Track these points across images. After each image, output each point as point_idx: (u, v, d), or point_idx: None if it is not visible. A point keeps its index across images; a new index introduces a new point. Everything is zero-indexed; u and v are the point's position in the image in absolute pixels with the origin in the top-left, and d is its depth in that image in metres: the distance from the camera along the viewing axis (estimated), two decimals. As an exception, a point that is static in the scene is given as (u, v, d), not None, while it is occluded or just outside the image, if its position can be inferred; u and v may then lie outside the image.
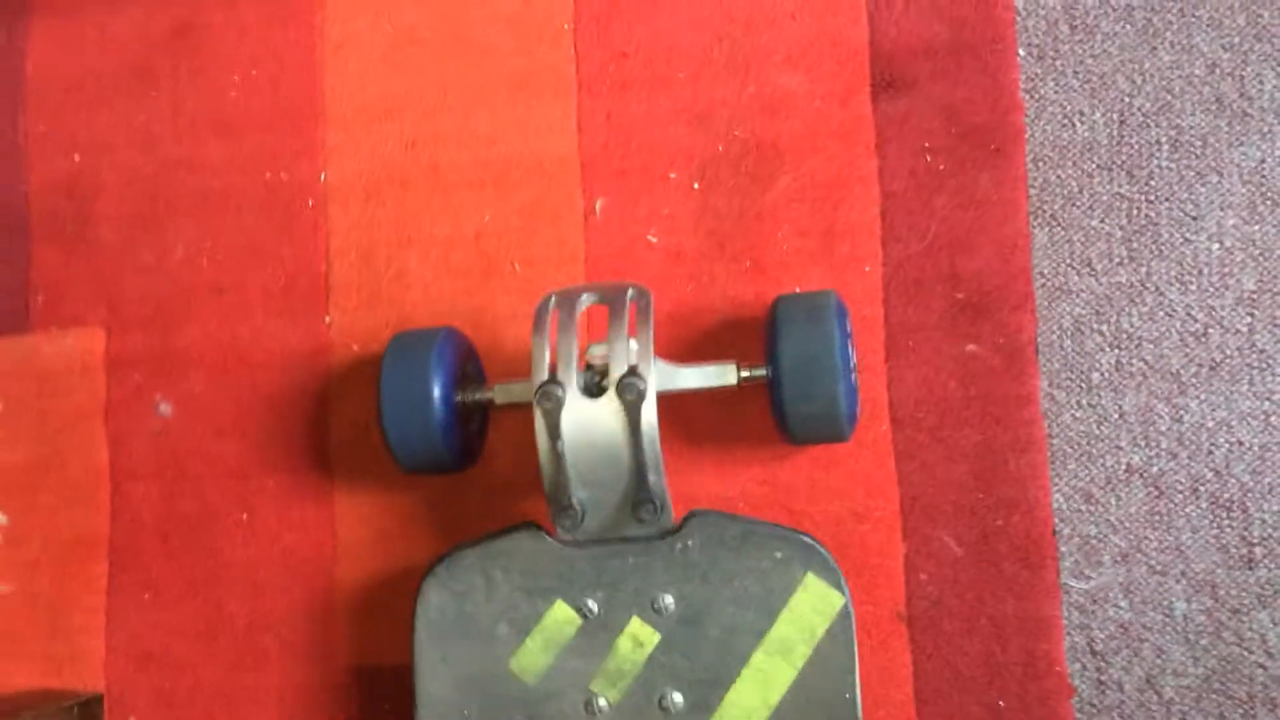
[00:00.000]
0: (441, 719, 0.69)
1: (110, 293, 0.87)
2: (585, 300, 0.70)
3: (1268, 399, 0.73)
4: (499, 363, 0.80)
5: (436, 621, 0.70)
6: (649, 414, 0.66)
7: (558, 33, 0.82)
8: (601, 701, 0.68)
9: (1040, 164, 0.77)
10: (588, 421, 0.66)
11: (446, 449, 0.73)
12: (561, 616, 0.69)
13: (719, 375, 0.71)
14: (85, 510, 0.85)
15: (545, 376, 0.67)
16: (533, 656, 0.69)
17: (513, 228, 0.82)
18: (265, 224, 0.85)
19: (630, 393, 0.65)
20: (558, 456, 0.67)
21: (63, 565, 0.85)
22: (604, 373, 0.68)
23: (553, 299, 0.70)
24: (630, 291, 0.69)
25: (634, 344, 0.68)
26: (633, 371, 0.66)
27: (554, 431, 0.66)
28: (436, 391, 0.72)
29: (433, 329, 0.76)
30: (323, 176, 0.85)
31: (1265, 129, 0.74)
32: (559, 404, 0.66)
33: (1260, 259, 0.74)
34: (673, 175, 0.80)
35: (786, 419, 0.70)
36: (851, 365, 0.71)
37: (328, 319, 0.83)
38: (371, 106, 0.84)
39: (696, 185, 0.80)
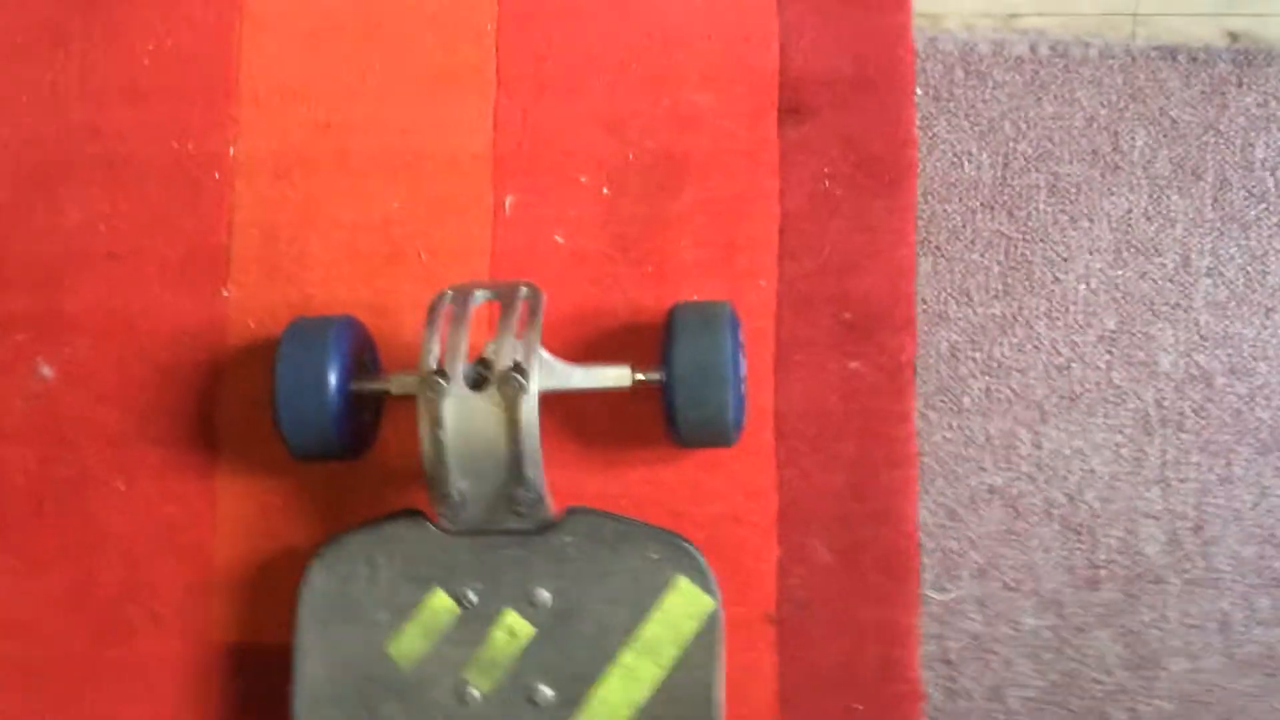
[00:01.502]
0: (318, 699, 0.69)
1: (-4, 251, 0.85)
2: (480, 296, 0.71)
3: (1119, 431, 0.79)
4: (397, 351, 0.81)
5: (320, 604, 0.70)
6: (528, 409, 0.67)
7: (480, 31, 0.84)
8: (473, 691, 0.69)
9: (929, 197, 0.81)
10: (469, 413, 0.68)
11: (339, 437, 0.73)
12: (440, 605, 0.69)
13: (615, 377, 0.73)
14: (-47, 471, 0.83)
15: (433, 367, 0.68)
16: (410, 642, 0.69)
17: (421, 217, 0.83)
18: (168, 194, 0.84)
19: (511, 386, 0.67)
20: (438, 446, 0.68)
21: (-75, 525, 0.83)
22: (488, 367, 0.69)
23: (449, 293, 0.71)
24: (523, 290, 0.71)
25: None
26: (515, 367, 0.68)
27: (435, 421, 0.67)
28: (332, 380, 0.72)
29: (331, 316, 0.76)
30: (231, 151, 0.84)
31: (1134, 182, 0.81)
32: (442, 393, 0.67)
33: (1121, 301, 0.80)
34: (583, 179, 0.83)
35: (676, 422, 0.72)
36: (741, 375, 0.74)
37: (225, 293, 0.83)
38: (287, 86, 0.85)
39: (606, 190, 0.82)
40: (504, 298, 0.71)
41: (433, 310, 0.70)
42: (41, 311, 0.84)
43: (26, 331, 0.83)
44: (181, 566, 0.81)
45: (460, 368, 0.68)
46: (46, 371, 0.83)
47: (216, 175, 0.84)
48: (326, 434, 0.73)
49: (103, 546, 0.81)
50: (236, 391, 0.82)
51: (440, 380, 0.67)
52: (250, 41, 0.85)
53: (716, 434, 0.73)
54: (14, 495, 0.82)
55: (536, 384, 0.68)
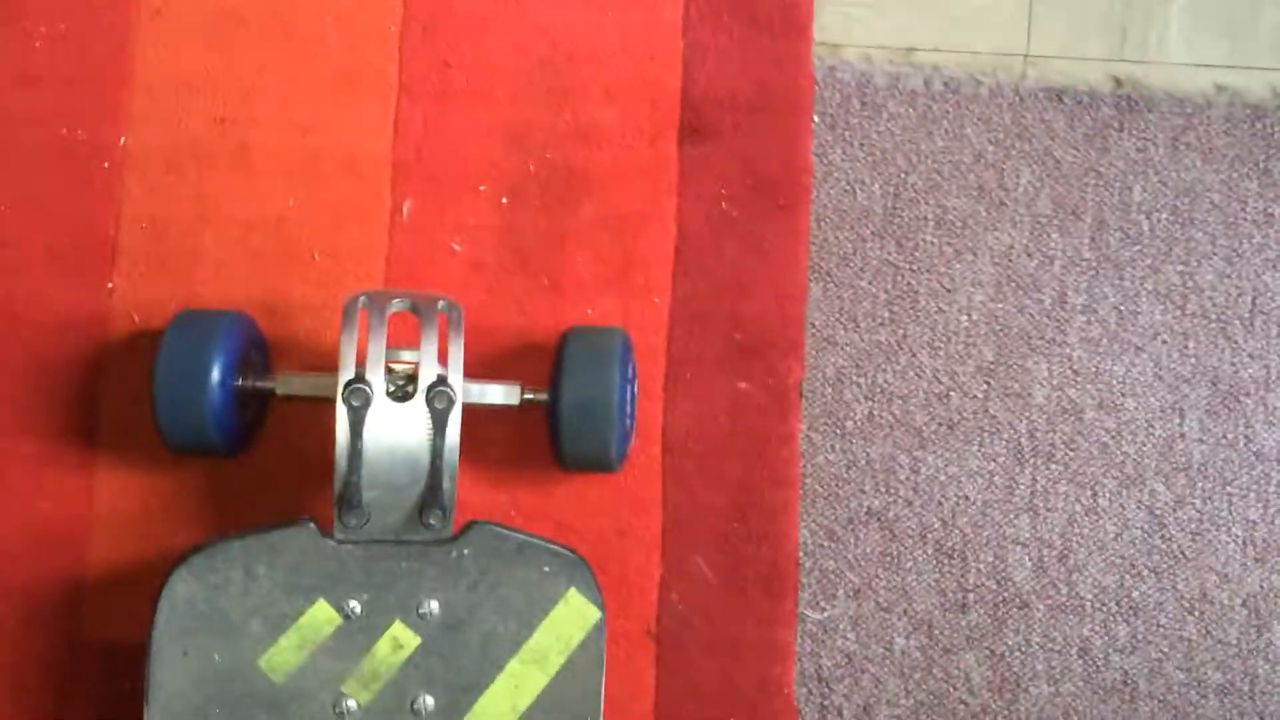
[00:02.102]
0: (176, 714, 0.67)
1: (-127, 231, 0.82)
2: (395, 305, 0.71)
3: (993, 460, 0.81)
4: (288, 351, 0.80)
5: (183, 613, 0.68)
6: (454, 424, 0.68)
7: (384, 34, 0.84)
8: (351, 703, 0.68)
9: (822, 223, 0.83)
10: (392, 425, 0.68)
11: (219, 433, 0.72)
12: (321, 616, 0.68)
13: (504, 394, 0.74)
14: None
15: (352, 374, 0.68)
16: (284, 655, 0.68)
17: (317, 218, 0.82)
18: (57, 181, 0.82)
19: (441, 401, 0.68)
20: (356, 456, 0.67)
21: None
22: (409, 379, 0.69)
23: (362, 299, 0.70)
24: (441, 303, 0.71)
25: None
26: (442, 381, 0.68)
27: (357, 430, 0.67)
28: (215, 375, 0.71)
29: (221, 311, 0.75)
30: (123, 141, 0.83)
31: (1017, 218, 0.83)
32: (367, 403, 0.67)
33: (1000, 334, 0.82)
34: (483, 188, 0.83)
35: (560, 450, 0.73)
36: (630, 407, 0.74)
37: (110, 285, 0.81)
38: (183, 78, 0.83)
39: (505, 200, 0.82)
40: (421, 310, 0.70)
41: (347, 315, 0.69)
42: (-83, 296, 0.81)
43: (-100, 316, 0.81)
44: (53, 562, 0.79)
45: (383, 378, 0.68)
46: (-81, 358, 0.81)
47: (106, 165, 0.82)
48: (204, 429, 0.72)
49: (-29, 540, 0.79)
50: (119, 386, 0.80)
51: (365, 389, 0.67)
52: (147, 30, 0.84)
53: (599, 464, 0.74)
54: (-121, 485, 0.80)
55: (461, 399, 0.68)
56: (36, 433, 0.80)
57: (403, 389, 0.69)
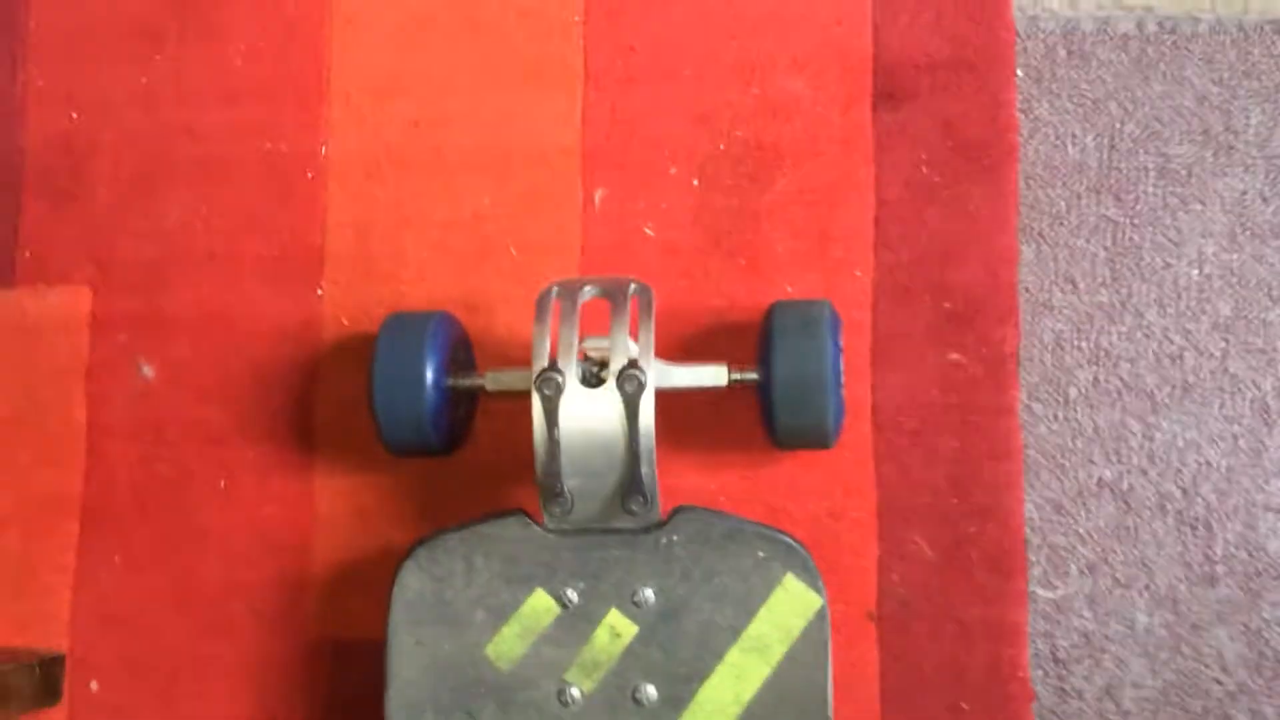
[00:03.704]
0: (412, 702, 0.69)
1: (99, 253, 0.86)
2: (587, 292, 0.71)
3: (1236, 422, 0.76)
4: (490, 347, 0.81)
5: (413, 605, 0.70)
6: (647, 407, 0.67)
7: (568, 25, 0.84)
8: (574, 691, 0.68)
9: (1031, 182, 0.79)
10: (585, 411, 0.68)
11: (435, 433, 0.73)
12: (540, 605, 0.69)
13: (711, 376, 0.72)
14: (59, 469, 0.85)
15: (545, 364, 0.68)
16: (509, 644, 0.69)
17: (511, 213, 0.83)
18: (262, 194, 0.85)
19: (630, 385, 0.67)
20: (553, 444, 0.67)
21: (33, 523, 0.84)
22: (602, 364, 0.69)
23: (555, 288, 0.70)
24: (632, 287, 0.70)
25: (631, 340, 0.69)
26: (633, 364, 0.67)
27: (551, 418, 0.67)
28: (429, 376, 0.72)
29: (428, 312, 0.76)
30: (323, 150, 0.85)
31: (1248, 162, 0.77)
32: (559, 391, 0.67)
33: (1237, 287, 0.77)
34: (673, 170, 0.82)
35: (775, 427, 0.71)
36: (841, 378, 0.72)
37: (320, 291, 0.84)
38: (377, 84, 0.85)
39: (696, 182, 0.81)
40: (612, 295, 0.70)
41: (540, 306, 0.70)
42: (142, 311, 0.85)
43: (128, 331, 0.85)
44: (280, 564, 0.82)
45: (575, 365, 0.68)
46: (148, 371, 0.85)
47: (309, 175, 0.85)
48: (423, 429, 0.73)
49: (203, 544, 0.82)
50: (332, 389, 0.83)
51: (556, 377, 0.67)
52: (340, 40, 0.86)
53: (815, 439, 0.72)
54: (117, 492, 0.84)
55: (654, 382, 0.67)
56: (258, 438, 0.83)
57: (595, 375, 0.69)
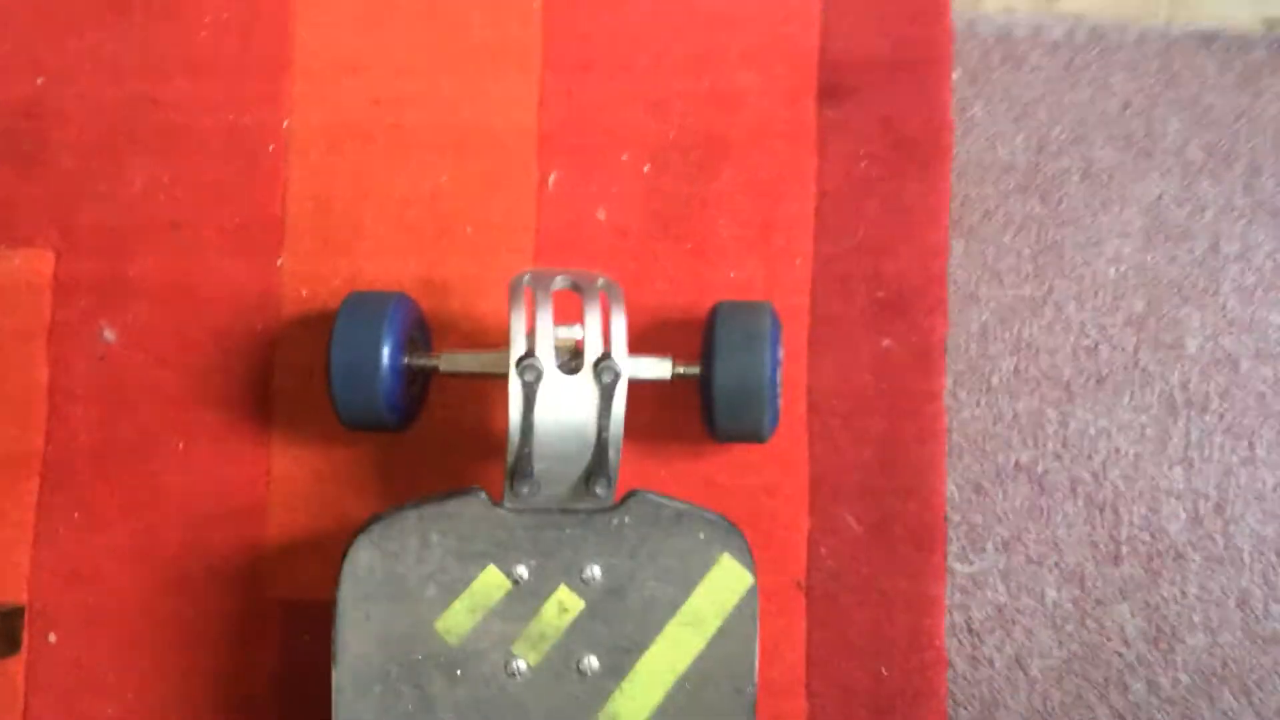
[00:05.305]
0: (360, 675, 0.71)
1: (63, 218, 0.88)
2: (558, 283, 0.74)
3: (1145, 412, 0.81)
4: (445, 323, 0.84)
5: (363, 580, 0.71)
6: (620, 396, 0.71)
7: (528, 11, 0.86)
8: (521, 663, 0.71)
9: (963, 179, 0.83)
10: (562, 398, 0.71)
11: (390, 412, 0.76)
12: (491, 581, 0.71)
13: (656, 368, 0.76)
14: (20, 427, 0.86)
15: (523, 350, 0.71)
16: (458, 618, 0.71)
17: (468, 192, 0.85)
18: (225, 165, 0.87)
19: (607, 375, 0.71)
20: (529, 428, 0.71)
21: (-7, 479, 0.86)
22: (573, 353, 0.72)
23: (527, 277, 0.73)
24: (600, 281, 0.74)
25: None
26: (608, 355, 0.71)
27: (530, 403, 0.70)
28: (386, 359, 0.75)
29: (386, 293, 0.79)
30: (285, 124, 0.87)
31: (1165, 167, 0.82)
32: (539, 377, 0.70)
33: (1150, 285, 0.81)
34: (625, 157, 0.85)
35: (714, 427, 0.75)
36: (779, 386, 0.76)
37: (280, 262, 0.86)
38: (340, 61, 0.87)
39: (647, 168, 0.84)
40: (584, 288, 0.73)
41: (514, 293, 0.73)
42: (105, 276, 0.87)
43: (90, 296, 0.87)
44: (237, 525, 0.84)
45: (553, 353, 0.71)
46: (109, 335, 0.86)
47: (271, 148, 0.87)
48: (378, 407, 0.76)
49: (162, 504, 0.85)
50: (290, 358, 0.85)
51: (537, 364, 0.70)
52: (304, 17, 0.88)
53: (750, 437, 0.76)
54: (77, 452, 0.86)
55: (626, 372, 0.71)
56: (216, 403, 0.85)
57: (569, 363, 0.72)
